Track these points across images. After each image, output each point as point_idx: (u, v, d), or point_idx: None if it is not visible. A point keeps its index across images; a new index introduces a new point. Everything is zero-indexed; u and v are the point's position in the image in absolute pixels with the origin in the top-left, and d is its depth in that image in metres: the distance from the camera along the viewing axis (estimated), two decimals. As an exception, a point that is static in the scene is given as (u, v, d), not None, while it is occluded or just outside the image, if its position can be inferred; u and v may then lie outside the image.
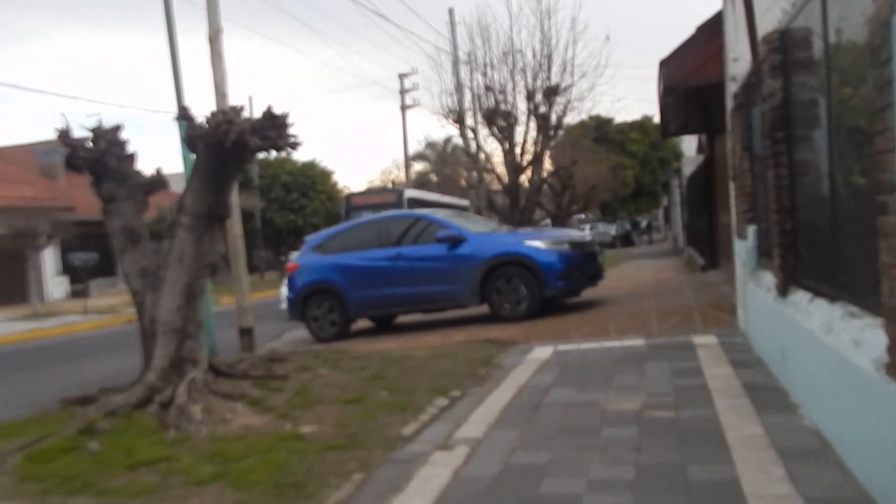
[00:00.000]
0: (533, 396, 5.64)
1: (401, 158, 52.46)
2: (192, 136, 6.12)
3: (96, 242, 25.53)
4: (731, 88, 7.77)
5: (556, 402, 5.36)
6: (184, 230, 6.21)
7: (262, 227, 32.86)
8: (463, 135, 21.01)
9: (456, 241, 10.39)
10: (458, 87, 20.84)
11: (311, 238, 11.79)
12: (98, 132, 6.76)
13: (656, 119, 45.57)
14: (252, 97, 47.03)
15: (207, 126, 5.92)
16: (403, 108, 37.85)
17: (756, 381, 5.36)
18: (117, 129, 6.88)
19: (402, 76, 37.36)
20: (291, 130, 6.31)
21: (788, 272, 5.14)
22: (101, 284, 25.88)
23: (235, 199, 9.38)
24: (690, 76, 8.93)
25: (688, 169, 21.93)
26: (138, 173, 6.89)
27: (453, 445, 4.48)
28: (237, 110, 6.16)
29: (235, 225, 9.31)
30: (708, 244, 14.78)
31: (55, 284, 25.71)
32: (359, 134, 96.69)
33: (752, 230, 6.92)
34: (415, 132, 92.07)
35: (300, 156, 38.93)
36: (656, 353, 6.95)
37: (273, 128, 6.17)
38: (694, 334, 7.69)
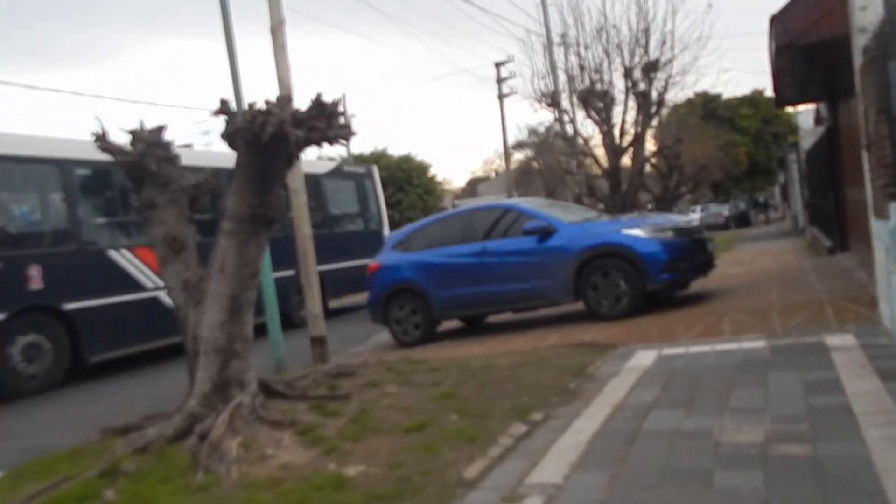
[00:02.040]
0: (630, 421, 4.67)
1: (502, 148, 51.54)
2: (231, 132, 5.46)
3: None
4: (860, 41, 6.49)
5: (657, 431, 4.36)
6: (225, 236, 5.56)
7: (362, 223, 32.70)
8: (558, 119, 19.93)
9: (545, 233, 9.42)
10: (552, 69, 19.75)
11: (392, 235, 11.12)
12: (137, 134, 6.22)
13: (768, 92, 43.17)
14: (345, 94, 47.06)
15: (243, 120, 5.25)
16: (501, 96, 37.11)
17: (918, 401, 4.21)
18: (160, 130, 6.33)
19: (497, 64, 36.65)
20: (343, 120, 5.56)
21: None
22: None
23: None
24: (808, 31, 7.62)
25: (806, 142, 20.16)
26: (183, 176, 6.32)
27: (524, 496, 3.58)
28: (284, 101, 5.47)
29: (304, 226, 8.68)
30: (835, 224, 13.18)
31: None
32: (457, 126, 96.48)
33: (894, 208, 5.67)
34: (514, 120, 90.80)
35: (396, 150, 38.74)
36: (782, 359, 5.81)
37: (322, 117, 5.42)
38: (827, 333, 6.47)
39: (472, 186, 65.14)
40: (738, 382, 5.25)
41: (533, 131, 44.83)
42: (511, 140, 48.71)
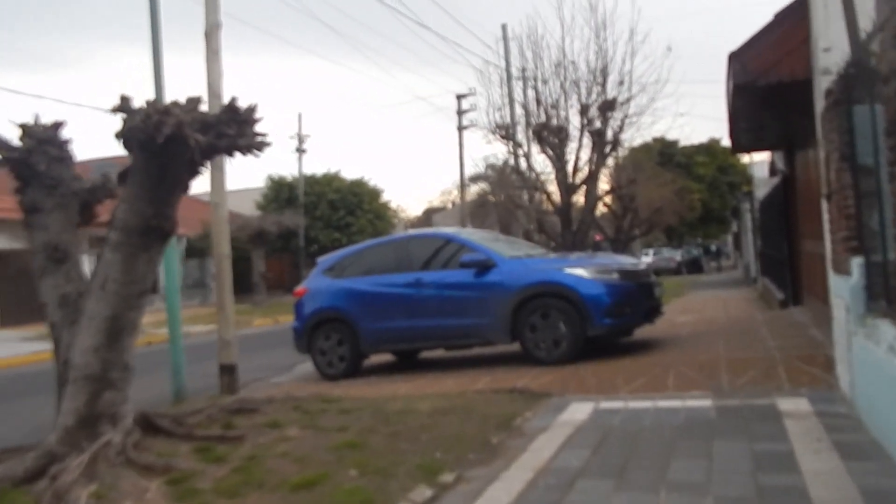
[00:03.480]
0: (552, 491, 4.02)
1: (459, 180, 51.27)
2: (125, 132, 4.74)
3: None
4: (823, 84, 6.09)
5: (581, 506, 3.73)
6: (111, 249, 4.83)
7: (306, 245, 31.86)
8: (512, 152, 19.50)
9: (484, 267, 8.79)
10: (510, 102, 19.35)
11: (324, 259, 10.38)
12: (28, 129, 5.47)
13: (724, 141, 43.80)
14: (300, 114, 46.47)
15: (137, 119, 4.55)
16: (460, 128, 36.82)
17: (882, 488, 3.64)
18: (56, 126, 5.58)
19: (459, 97, 36.38)
20: (258, 128, 4.91)
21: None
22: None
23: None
24: (768, 71, 7.21)
25: (761, 192, 20.08)
26: (76, 179, 5.56)
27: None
28: (192, 102, 4.80)
29: (222, 243, 7.93)
30: (788, 276, 12.83)
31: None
32: (416, 154, 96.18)
33: (857, 264, 5.18)
34: (473, 153, 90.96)
35: (351, 173, 38.10)
36: (729, 424, 5.24)
37: (233, 124, 4.77)
38: (779, 396, 5.93)
39: (428, 216, 64.69)
40: (678, 449, 4.64)
41: (490, 165, 44.64)
42: (469, 172, 48.49)
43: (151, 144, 4.63)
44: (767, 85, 7.26)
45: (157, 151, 4.73)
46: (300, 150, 35.78)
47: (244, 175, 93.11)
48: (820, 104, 6.31)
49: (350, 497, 3.98)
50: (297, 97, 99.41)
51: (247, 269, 29.04)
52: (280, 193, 34.86)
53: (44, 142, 5.47)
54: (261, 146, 5.02)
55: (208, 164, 5.10)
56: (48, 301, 5.19)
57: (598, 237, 28.18)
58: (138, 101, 4.84)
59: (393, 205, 39.97)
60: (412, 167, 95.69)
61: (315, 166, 60.08)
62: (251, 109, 4.93)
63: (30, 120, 5.57)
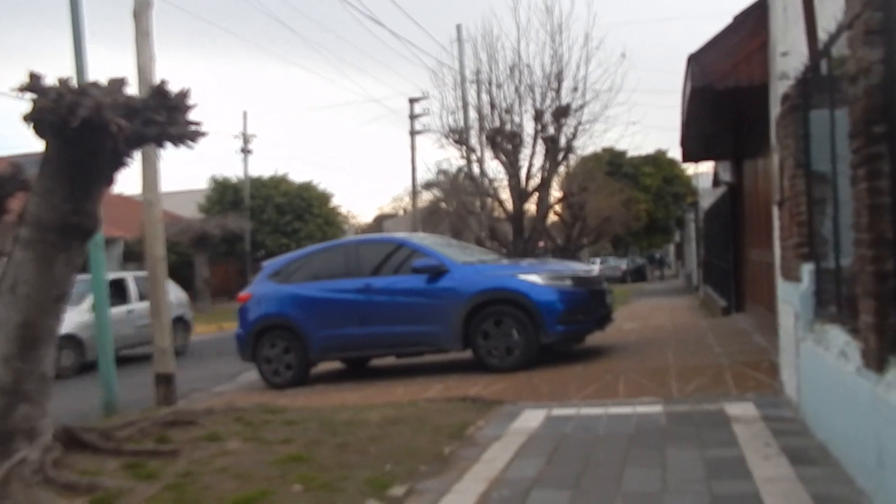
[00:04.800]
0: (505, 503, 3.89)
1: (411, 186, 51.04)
2: (35, 113, 4.35)
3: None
4: (780, 89, 6.11)
5: (536, 519, 3.60)
6: (21, 247, 4.47)
7: (252, 250, 31.22)
8: (465, 157, 19.36)
9: (436, 272, 8.65)
10: (464, 105, 19.24)
11: (270, 263, 10.10)
12: None
13: (671, 153, 44.55)
14: (246, 112, 45.52)
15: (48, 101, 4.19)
16: (413, 133, 36.58)
17: (833, 494, 3.61)
18: None
19: (412, 100, 36.13)
20: (191, 116, 4.63)
21: (889, 335, 3.40)
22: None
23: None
24: (727, 75, 7.22)
25: (705, 202, 20.39)
26: None
27: None
28: (116, 84, 4.47)
29: (156, 245, 7.59)
30: (732, 283, 13.00)
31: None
32: (367, 160, 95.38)
33: (807, 270, 5.20)
34: (426, 159, 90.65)
35: (297, 177, 37.43)
36: (680, 430, 5.21)
37: (162, 110, 4.48)
38: (726, 401, 5.95)
39: (379, 223, 64.17)
40: (632, 457, 4.57)
41: (443, 171, 44.53)
42: (422, 178, 48.31)
43: (65, 129, 4.23)
44: (725, 89, 7.27)
45: (72, 138, 4.34)
46: (245, 151, 34.92)
47: (186, 175, 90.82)
48: (776, 109, 6.34)
49: (296, 513, 3.78)
50: (242, 95, 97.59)
51: (189, 274, 28.27)
52: (224, 195, 33.87)
53: None
54: (194, 136, 4.70)
55: (134, 155, 4.75)
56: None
57: (540, 244, 28.39)
58: (51, 80, 4.42)
59: (343, 210, 39.44)
60: (363, 173, 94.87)
61: (261, 168, 58.84)
62: (183, 94, 4.60)
63: None
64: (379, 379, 9.08)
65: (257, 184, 34.01)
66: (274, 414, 6.22)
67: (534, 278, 8.48)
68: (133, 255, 29.57)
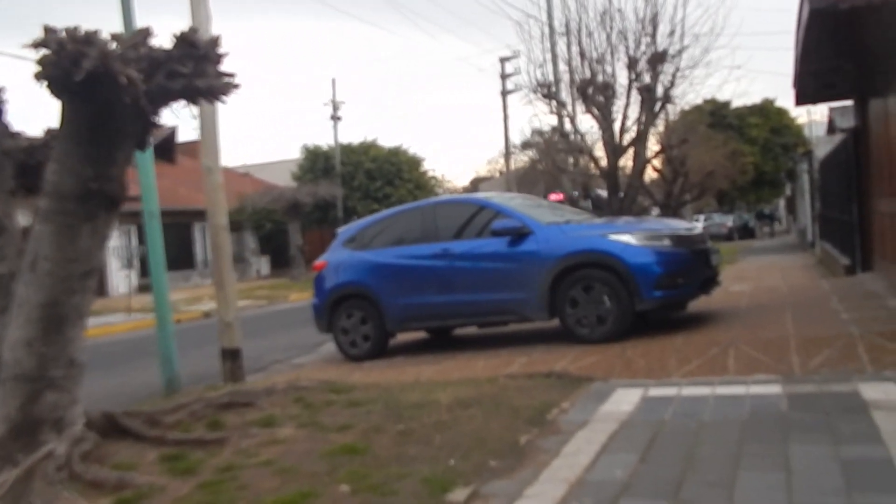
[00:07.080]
0: (587, 517, 3.18)
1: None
2: (43, 70, 3.84)
3: (174, 232, 24.45)
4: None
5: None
6: (41, 220, 4.02)
7: (344, 216, 31.17)
8: (555, 112, 18.35)
9: (519, 235, 7.88)
10: (553, 57, 18.21)
11: (345, 229, 9.58)
12: None
13: (779, 101, 41.78)
14: (334, 79, 45.45)
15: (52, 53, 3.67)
16: (504, 93, 35.61)
17: None
18: None
19: (503, 59, 35.10)
20: (222, 67, 4.04)
21: None
22: (173, 278, 24.69)
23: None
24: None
25: (821, 151, 18.69)
26: (10, 137, 4.76)
27: None
28: (140, 34, 3.94)
29: (218, 213, 7.15)
30: (857, 239, 11.64)
31: (120, 278, 24.57)
32: (461, 124, 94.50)
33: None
34: (520, 120, 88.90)
35: (387, 142, 37.12)
36: (806, 417, 4.32)
37: (188, 60, 3.91)
38: (861, 381, 4.98)
39: (475, 185, 63.71)
40: (746, 455, 3.75)
41: (538, 131, 43.37)
42: (518, 140, 47.30)
43: (70, 83, 3.74)
44: (852, 8, 6.13)
45: (83, 94, 3.85)
46: (335, 118, 34.96)
47: (280, 146, 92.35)
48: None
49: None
50: (329, 62, 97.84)
51: (284, 241, 28.50)
52: (316, 163, 34.08)
53: None
54: (226, 88, 4.13)
55: (161, 113, 4.22)
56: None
57: (644, 202, 27.09)
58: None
59: (437, 174, 38.99)
60: (456, 136, 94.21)
61: (351, 135, 59.08)
62: (213, 42, 4.03)
63: None
64: (460, 350, 8.45)
65: (347, 150, 33.96)
66: (338, 394, 5.68)
67: (627, 238, 7.59)
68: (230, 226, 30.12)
